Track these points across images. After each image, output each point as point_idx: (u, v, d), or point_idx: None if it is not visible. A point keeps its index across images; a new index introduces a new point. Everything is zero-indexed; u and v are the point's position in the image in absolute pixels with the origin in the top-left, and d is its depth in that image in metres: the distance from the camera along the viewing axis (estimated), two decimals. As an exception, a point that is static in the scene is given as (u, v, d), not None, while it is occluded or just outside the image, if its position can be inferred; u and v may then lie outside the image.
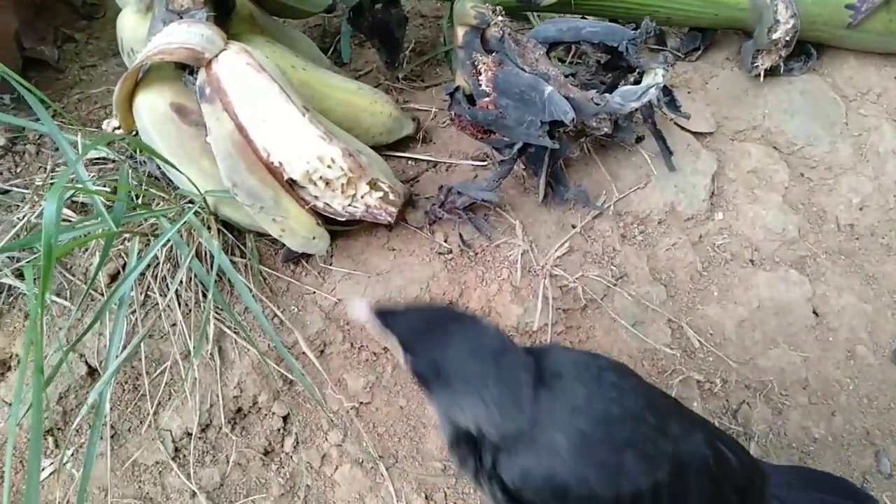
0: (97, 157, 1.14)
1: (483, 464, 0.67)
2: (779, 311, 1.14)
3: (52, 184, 1.12)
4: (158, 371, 0.99)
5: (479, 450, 0.67)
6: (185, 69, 0.98)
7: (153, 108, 0.97)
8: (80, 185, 0.96)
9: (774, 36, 1.22)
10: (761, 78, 1.31)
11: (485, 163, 1.21)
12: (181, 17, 0.96)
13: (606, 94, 0.97)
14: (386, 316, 0.66)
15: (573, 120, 0.92)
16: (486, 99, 1.01)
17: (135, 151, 1.11)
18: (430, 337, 0.65)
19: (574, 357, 0.72)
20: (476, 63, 1.02)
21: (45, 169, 1.18)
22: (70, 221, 1.01)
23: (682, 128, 1.27)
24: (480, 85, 1.02)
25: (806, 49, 1.35)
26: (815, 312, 1.15)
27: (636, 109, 1.00)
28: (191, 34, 0.92)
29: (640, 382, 0.73)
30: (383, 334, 0.67)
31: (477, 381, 0.63)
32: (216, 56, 0.93)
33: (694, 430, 0.71)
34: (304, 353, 1.03)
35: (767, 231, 1.20)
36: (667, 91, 1.10)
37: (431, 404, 0.74)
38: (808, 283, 1.17)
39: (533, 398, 0.64)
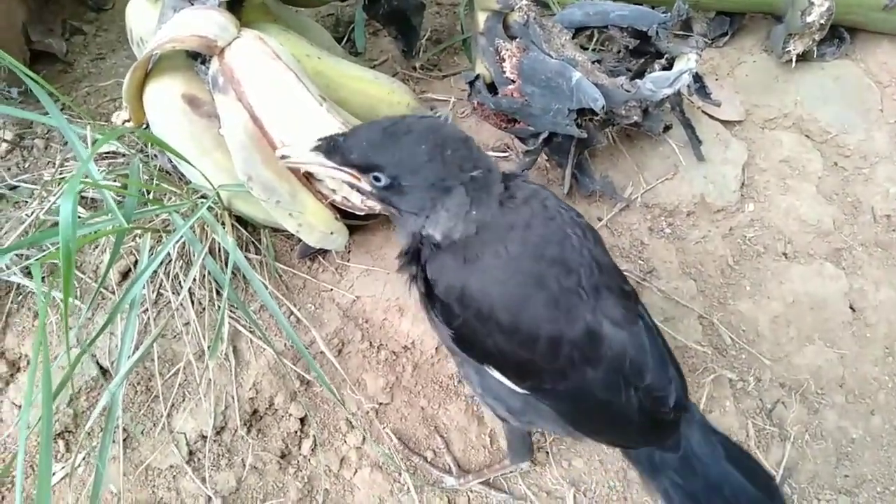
0: (107, 150, 1.10)
1: (420, 263, 0.69)
2: (814, 307, 1.10)
3: (60, 179, 1.09)
4: (172, 372, 0.96)
5: (420, 253, 0.69)
6: (196, 58, 0.94)
7: (164, 100, 0.93)
8: (89, 181, 0.93)
9: (808, 19, 1.17)
10: (793, 63, 1.26)
11: (506, 154, 1.17)
12: (192, 4, 0.93)
13: (637, 81, 0.92)
14: (331, 146, 0.66)
15: (603, 107, 0.88)
16: (511, 87, 0.97)
17: (145, 145, 1.07)
18: (390, 148, 0.64)
19: (542, 193, 0.71)
20: (499, 49, 0.98)
21: (54, 164, 1.15)
22: (80, 217, 0.98)
23: (711, 116, 1.22)
24: (504, 72, 0.97)
25: (838, 33, 1.30)
26: (851, 307, 1.11)
27: (667, 97, 0.95)
28: (203, 21, 0.88)
29: (602, 252, 0.72)
30: (332, 170, 0.67)
31: (436, 186, 0.64)
32: (229, 44, 0.89)
33: (629, 325, 0.69)
34: (321, 352, 0.99)
35: (801, 223, 1.15)
36: (697, 78, 1.05)
37: (396, 223, 0.73)
38: (844, 277, 1.12)
39: (484, 211, 0.65)
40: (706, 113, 1.22)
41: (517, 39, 0.98)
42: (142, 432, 0.94)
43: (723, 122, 1.23)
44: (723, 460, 0.75)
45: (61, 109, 1.18)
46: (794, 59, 1.25)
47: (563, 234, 0.68)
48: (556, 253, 0.66)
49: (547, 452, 0.98)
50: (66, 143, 1.17)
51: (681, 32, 1.35)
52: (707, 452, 0.75)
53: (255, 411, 0.97)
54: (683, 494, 0.74)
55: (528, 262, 0.66)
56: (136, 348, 0.93)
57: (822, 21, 1.18)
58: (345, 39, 1.41)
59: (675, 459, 0.74)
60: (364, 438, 0.97)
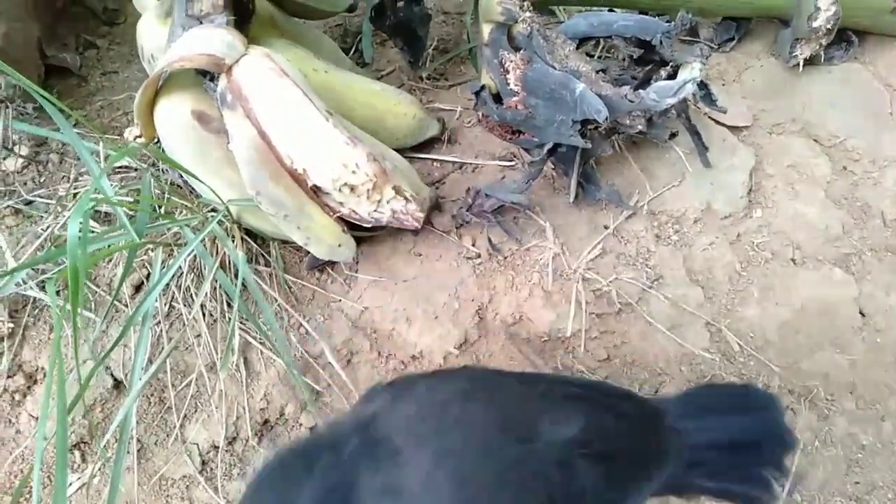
0: (119, 165, 1.13)
1: None
2: (823, 312, 1.09)
3: (75, 193, 1.11)
4: (184, 383, 0.98)
5: None
6: (205, 75, 0.96)
7: (174, 117, 0.95)
8: (102, 196, 0.95)
9: (815, 24, 1.17)
10: (800, 68, 1.26)
11: (512, 163, 1.18)
12: (201, 23, 0.94)
13: (641, 91, 0.92)
14: None
15: (606, 118, 0.88)
16: (515, 98, 0.97)
17: (157, 159, 1.09)
18: None
19: (408, 413, 0.61)
20: (503, 61, 0.99)
21: (69, 178, 1.18)
22: (94, 232, 1.00)
23: (718, 122, 1.22)
24: (508, 84, 0.98)
25: (846, 37, 1.29)
26: (861, 313, 1.10)
27: (671, 106, 0.96)
28: (211, 40, 0.90)
29: (489, 405, 0.64)
30: None
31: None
32: (237, 61, 0.90)
33: (564, 423, 0.63)
34: (330, 363, 1.00)
35: (809, 228, 1.15)
36: (702, 85, 1.05)
37: None
38: (853, 282, 1.11)
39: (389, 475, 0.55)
40: (713, 119, 1.22)
41: (521, 51, 0.98)
42: (155, 443, 0.96)
43: (730, 127, 1.22)
44: (714, 419, 0.76)
45: (75, 124, 1.21)
46: (801, 64, 1.25)
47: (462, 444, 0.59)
48: (471, 465, 0.58)
49: (555, 460, 0.98)
50: (80, 158, 1.19)
51: (687, 38, 1.35)
52: (699, 427, 0.74)
53: (266, 421, 0.98)
54: (718, 479, 0.74)
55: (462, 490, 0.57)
56: (150, 360, 0.95)
57: (828, 25, 1.17)
58: (353, 50, 1.43)
59: (687, 460, 0.73)
60: (373, 448, 0.98)
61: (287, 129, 0.90)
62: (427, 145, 1.20)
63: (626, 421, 0.70)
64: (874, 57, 1.32)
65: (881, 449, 1.02)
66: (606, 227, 1.11)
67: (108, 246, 0.93)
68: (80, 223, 0.71)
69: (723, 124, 1.23)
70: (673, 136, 1.13)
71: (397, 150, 1.09)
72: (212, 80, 0.94)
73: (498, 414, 0.63)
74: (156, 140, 1.02)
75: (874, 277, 1.13)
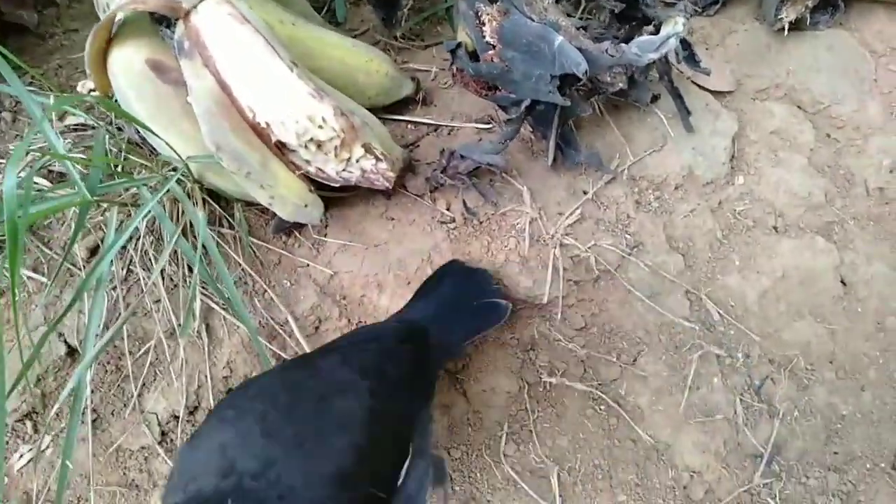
0: (74, 123, 1.07)
1: None
2: (804, 281, 1.07)
3: (27, 153, 1.05)
4: (142, 350, 0.93)
5: None
6: (162, 22, 0.90)
7: (128, 66, 0.89)
8: (53, 153, 0.89)
9: (801, -16, 1.13)
10: (785, 32, 1.23)
11: (489, 126, 1.13)
12: (157, -34, 0.88)
13: (622, 45, 0.88)
14: None
15: (586, 73, 0.84)
16: (491, 52, 0.93)
17: (109, 112, 1.03)
18: None
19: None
20: (479, 13, 0.94)
21: (22, 137, 1.11)
22: (42, 190, 0.94)
23: (701, 86, 1.19)
24: (484, 37, 0.93)
25: (833, 1, 1.26)
26: (842, 282, 1.08)
27: (653, 63, 0.92)
28: (167, -17, 0.84)
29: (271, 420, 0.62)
30: None
31: None
32: (195, 6, 0.85)
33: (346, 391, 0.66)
34: (297, 329, 0.96)
35: (792, 196, 1.12)
36: (685, 45, 1.01)
37: None
38: (835, 251, 1.09)
39: None
40: (696, 83, 1.19)
41: (498, 2, 0.94)
42: (112, 413, 0.92)
43: (713, 92, 1.19)
44: (445, 305, 0.88)
45: (31, 81, 1.15)
46: (786, 28, 1.22)
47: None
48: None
49: (531, 431, 0.96)
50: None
51: (671, 1, 1.31)
52: (437, 317, 0.85)
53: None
54: (468, 328, 0.89)
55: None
56: (106, 327, 0.90)
57: (814, -13, 1.14)
58: (325, 10, 1.37)
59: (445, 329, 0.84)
60: (342, 417, 0.94)
61: (249, 80, 0.85)
62: (401, 106, 1.15)
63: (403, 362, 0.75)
64: (860, 23, 1.29)
65: (860, 419, 1.01)
66: (585, 193, 1.07)
67: (56, 204, 0.87)
68: (20, 176, 0.65)
69: (706, 89, 1.19)
70: (655, 98, 1.09)
71: (369, 110, 1.04)
72: (168, 26, 0.88)
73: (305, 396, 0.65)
74: (111, 95, 0.96)
75: (856, 246, 1.11)
